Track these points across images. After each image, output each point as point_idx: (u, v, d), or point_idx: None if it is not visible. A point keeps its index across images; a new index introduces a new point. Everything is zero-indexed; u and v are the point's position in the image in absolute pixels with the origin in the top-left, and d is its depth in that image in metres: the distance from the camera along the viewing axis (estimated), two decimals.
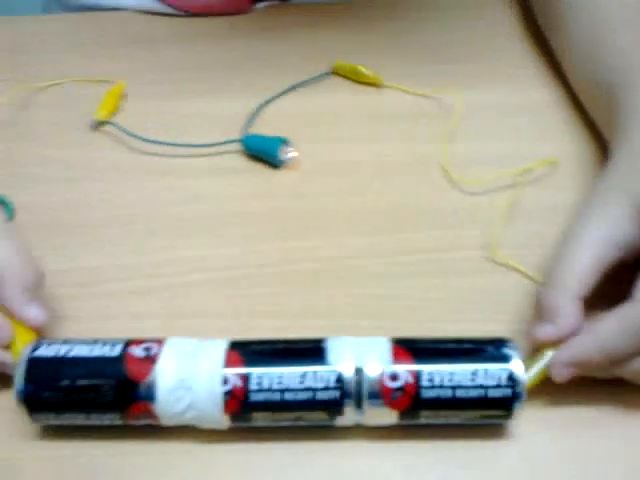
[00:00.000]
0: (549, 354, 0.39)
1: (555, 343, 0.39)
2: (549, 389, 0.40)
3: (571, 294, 0.39)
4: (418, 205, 0.52)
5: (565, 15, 0.59)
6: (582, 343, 0.38)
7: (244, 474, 0.38)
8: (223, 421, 0.38)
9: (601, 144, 0.54)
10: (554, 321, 0.39)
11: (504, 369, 0.37)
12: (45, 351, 0.38)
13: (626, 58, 0.52)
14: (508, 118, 0.58)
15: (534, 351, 0.40)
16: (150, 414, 0.38)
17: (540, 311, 0.40)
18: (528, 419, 0.39)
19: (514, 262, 0.47)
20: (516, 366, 0.37)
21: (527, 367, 0.39)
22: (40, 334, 0.42)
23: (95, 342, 0.39)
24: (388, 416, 0.37)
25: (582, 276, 0.40)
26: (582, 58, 0.57)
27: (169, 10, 0.69)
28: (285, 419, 0.38)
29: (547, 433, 0.39)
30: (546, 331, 0.39)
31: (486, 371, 0.37)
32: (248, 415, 0.37)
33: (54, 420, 0.38)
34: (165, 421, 0.38)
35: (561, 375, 0.38)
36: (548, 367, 0.39)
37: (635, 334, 0.37)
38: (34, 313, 0.41)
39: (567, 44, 0.59)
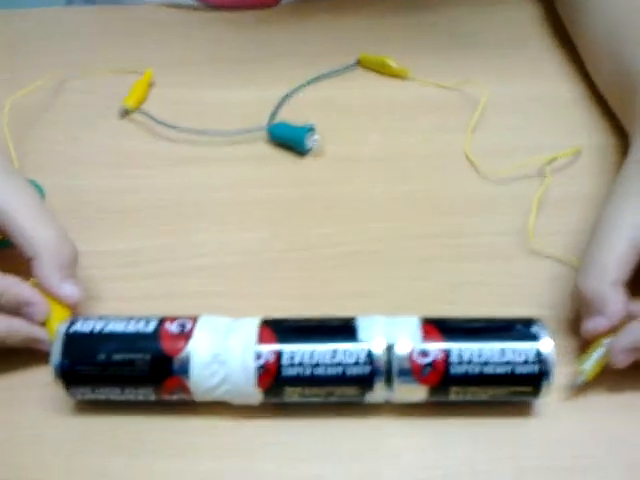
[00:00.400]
0: (605, 342, 0.40)
1: (609, 332, 0.40)
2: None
3: (611, 280, 0.39)
4: (442, 193, 0.53)
5: (585, 1, 0.60)
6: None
7: (274, 450, 0.39)
8: (256, 395, 0.38)
9: (623, 136, 0.55)
10: (603, 311, 0.39)
11: (532, 346, 0.37)
12: (81, 327, 0.39)
13: None
14: (532, 111, 0.59)
15: (587, 344, 0.41)
16: (184, 389, 0.38)
17: (585, 304, 0.40)
18: (556, 399, 0.40)
19: (544, 247, 0.48)
20: (544, 344, 0.37)
21: (585, 359, 0.40)
22: (75, 312, 0.43)
23: (130, 318, 0.40)
24: (418, 392, 0.38)
25: (620, 262, 0.40)
26: (601, 45, 0.57)
27: (197, 4, 0.70)
28: (316, 394, 0.38)
29: (576, 413, 0.40)
30: (599, 323, 0.39)
31: (514, 348, 0.37)
32: (280, 390, 0.38)
33: (89, 395, 0.39)
34: (198, 396, 0.39)
35: (621, 361, 0.39)
36: (606, 355, 0.39)
37: None
38: (70, 291, 0.42)
39: (587, 31, 0.60)
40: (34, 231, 0.42)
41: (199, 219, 0.51)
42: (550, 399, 0.40)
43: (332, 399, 0.39)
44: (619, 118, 0.55)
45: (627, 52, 0.53)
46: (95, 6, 0.74)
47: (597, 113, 0.58)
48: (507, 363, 0.37)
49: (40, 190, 0.52)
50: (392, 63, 0.62)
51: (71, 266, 0.43)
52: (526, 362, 0.37)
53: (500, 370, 0.37)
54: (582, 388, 0.40)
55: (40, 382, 0.41)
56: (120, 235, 0.50)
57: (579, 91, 0.61)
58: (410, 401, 0.39)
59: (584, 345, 0.41)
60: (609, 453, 0.38)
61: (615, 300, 0.39)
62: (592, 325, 0.40)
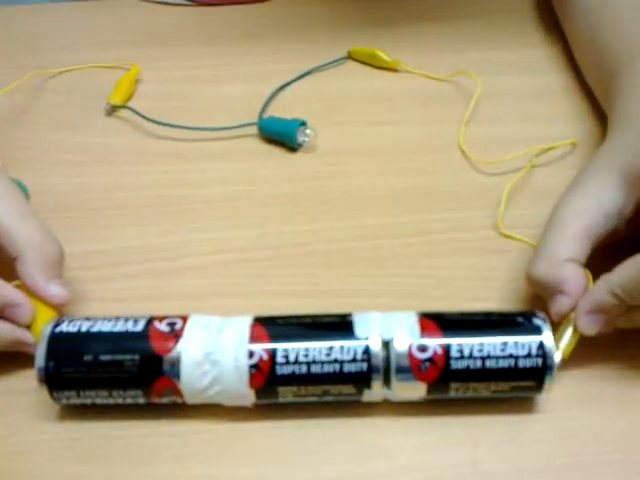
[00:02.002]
0: (573, 316, 0.39)
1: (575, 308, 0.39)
2: (582, 364, 0.40)
3: (563, 259, 0.39)
4: (436, 187, 0.52)
5: None
6: (597, 287, 0.38)
7: (268, 453, 0.38)
8: (248, 396, 0.37)
9: None
10: (562, 290, 0.38)
11: (535, 339, 0.36)
12: (67, 327, 0.38)
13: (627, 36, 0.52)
14: (525, 102, 0.58)
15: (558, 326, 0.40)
16: (174, 390, 0.37)
17: (541, 289, 0.40)
18: (559, 394, 0.39)
19: (521, 237, 0.47)
20: (547, 337, 0.36)
21: (558, 338, 0.39)
22: (61, 314, 0.41)
23: (118, 318, 0.38)
24: (416, 389, 0.37)
25: (571, 242, 0.39)
26: (583, 34, 0.57)
27: (186, 2, 0.69)
28: (311, 394, 0.37)
29: (580, 409, 0.39)
30: (562, 303, 0.39)
31: (516, 341, 0.36)
32: (274, 389, 0.37)
33: (76, 399, 0.38)
34: (189, 398, 0.37)
35: (586, 325, 0.38)
36: (576, 329, 0.39)
37: None
38: (56, 291, 0.40)
39: (572, 22, 0.60)
40: (17, 230, 0.40)
41: (188, 217, 0.50)
42: (552, 395, 0.38)
43: (328, 399, 0.37)
44: (602, 107, 0.54)
45: (604, 39, 0.54)
46: (78, 2, 0.72)
47: (592, 104, 0.57)
48: (509, 356, 0.36)
49: (24, 189, 0.50)
50: (383, 55, 0.61)
51: (57, 266, 0.41)
52: (529, 355, 0.36)
53: (502, 364, 0.36)
54: (587, 380, 0.40)
55: (24, 387, 0.40)
56: (107, 234, 0.49)
57: (574, 82, 0.60)
58: (409, 399, 0.38)
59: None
60: (616, 450, 0.37)
61: (572, 276, 0.38)
62: (557, 307, 0.39)
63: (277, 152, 0.55)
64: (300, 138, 0.54)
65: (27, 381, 0.40)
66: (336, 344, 0.36)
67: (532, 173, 0.52)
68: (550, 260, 0.39)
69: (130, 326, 0.38)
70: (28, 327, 0.40)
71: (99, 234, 0.49)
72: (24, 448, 0.38)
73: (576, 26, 0.59)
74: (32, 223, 0.41)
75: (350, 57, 0.63)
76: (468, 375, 0.36)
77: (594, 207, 0.40)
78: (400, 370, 0.36)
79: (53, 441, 0.38)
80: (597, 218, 0.40)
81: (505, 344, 0.36)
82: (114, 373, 0.37)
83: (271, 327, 0.38)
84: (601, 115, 0.55)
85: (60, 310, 0.41)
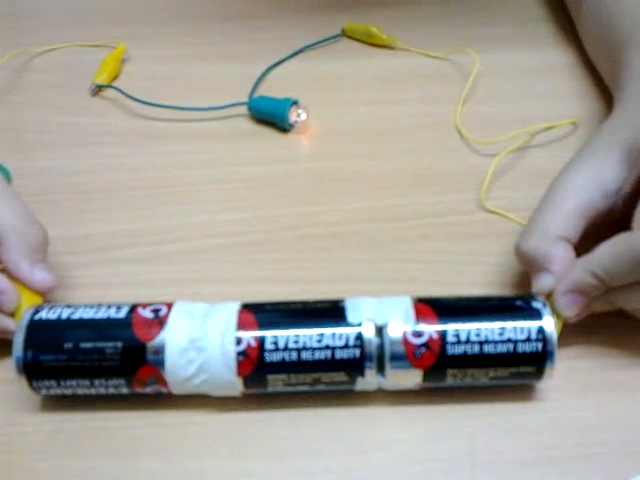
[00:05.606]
0: None
1: None
2: (582, 352, 0.39)
3: (554, 237, 0.38)
4: (433, 168, 0.50)
5: None
6: (577, 267, 0.37)
7: (258, 446, 0.36)
8: (236, 385, 0.35)
9: None
10: (548, 268, 0.37)
11: (534, 323, 0.35)
12: (46, 314, 0.36)
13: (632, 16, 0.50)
14: (526, 80, 0.57)
15: None
16: (159, 379, 0.35)
17: (528, 263, 0.39)
18: (559, 383, 0.37)
19: (520, 219, 0.45)
20: (547, 322, 0.35)
21: None
22: (47, 300, 0.40)
23: (100, 305, 0.37)
24: (412, 377, 0.35)
25: (564, 219, 0.38)
26: (590, 8, 0.55)
27: None
28: (302, 382, 0.36)
29: (581, 397, 0.37)
30: (546, 282, 0.37)
31: (515, 325, 0.35)
32: (263, 378, 0.35)
33: (56, 389, 0.36)
34: (174, 387, 0.36)
35: (564, 306, 0.37)
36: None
37: (630, 261, 0.35)
38: (40, 276, 0.39)
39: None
40: None
41: (177, 200, 0.48)
42: (552, 383, 0.37)
43: (320, 388, 0.36)
44: (607, 84, 0.53)
45: (610, 12, 0.52)
46: None
47: (596, 82, 0.56)
48: (508, 341, 0.34)
49: (6, 173, 0.49)
50: (379, 32, 0.59)
51: (41, 250, 0.40)
52: (528, 339, 0.34)
53: (501, 349, 0.34)
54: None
55: (4, 377, 0.38)
56: (92, 218, 0.47)
57: (577, 59, 0.58)
58: (404, 387, 0.36)
59: None
60: (617, 440, 0.36)
61: (559, 256, 0.37)
62: (540, 283, 0.38)
63: (268, 133, 0.53)
64: (292, 118, 0.52)
65: (6, 371, 0.38)
66: (327, 331, 0.35)
67: (531, 154, 0.50)
68: (541, 235, 0.38)
69: (113, 313, 0.36)
70: (13, 314, 0.38)
71: (84, 218, 0.47)
72: (4, 440, 0.37)
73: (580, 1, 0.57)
74: (14, 207, 0.40)
75: (344, 34, 0.61)
76: (465, 361, 0.35)
77: (593, 183, 0.39)
78: (395, 357, 0.35)
79: (34, 433, 0.37)
80: (595, 194, 0.39)
81: (503, 328, 0.35)
82: (95, 361, 0.35)
83: (260, 313, 0.36)
84: (604, 94, 0.54)
85: (46, 296, 0.40)
